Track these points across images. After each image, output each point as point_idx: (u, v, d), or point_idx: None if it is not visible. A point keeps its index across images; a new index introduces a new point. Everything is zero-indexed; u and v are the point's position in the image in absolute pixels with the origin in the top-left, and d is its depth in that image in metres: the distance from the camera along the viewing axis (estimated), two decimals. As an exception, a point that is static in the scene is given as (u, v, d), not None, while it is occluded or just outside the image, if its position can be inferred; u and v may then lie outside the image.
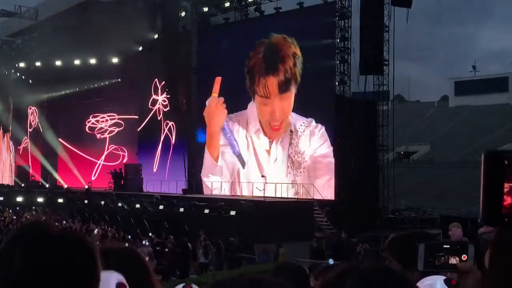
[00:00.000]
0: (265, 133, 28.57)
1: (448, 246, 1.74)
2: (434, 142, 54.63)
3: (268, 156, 28.32)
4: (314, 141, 26.88)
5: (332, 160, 26.18)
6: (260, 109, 28.64)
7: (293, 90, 27.57)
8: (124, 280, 1.47)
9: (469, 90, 62.55)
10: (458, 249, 1.73)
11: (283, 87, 27.57)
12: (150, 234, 21.50)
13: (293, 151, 27.43)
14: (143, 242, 18.69)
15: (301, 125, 27.21)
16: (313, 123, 26.87)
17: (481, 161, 1.06)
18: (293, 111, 27.57)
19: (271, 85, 27.86)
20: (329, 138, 26.54)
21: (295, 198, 25.96)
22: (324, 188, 26.03)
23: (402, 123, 46.99)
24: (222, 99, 29.68)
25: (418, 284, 1.66)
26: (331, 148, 26.33)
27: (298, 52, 27.32)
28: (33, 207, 31.36)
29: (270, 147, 28.33)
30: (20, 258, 1.14)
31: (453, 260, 1.72)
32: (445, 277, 1.66)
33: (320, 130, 26.70)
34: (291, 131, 27.54)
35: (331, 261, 13.58)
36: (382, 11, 27.29)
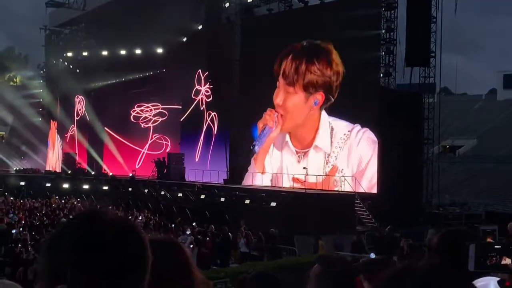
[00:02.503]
0: (291, 140, 28.85)
1: (500, 247, 1.68)
2: (481, 136, 53.23)
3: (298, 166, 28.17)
4: (355, 153, 26.40)
5: (375, 163, 25.78)
6: (275, 92, 29.29)
7: (298, 93, 28.10)
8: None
9: (519, 83, 60.68)
10: (510, 250, 1.67)
11: (285, 79, 28.50)
12: (194, 223, 21.71)
13: (328, 170, 27.22)
14: (186, 231, 18.90)
15: (341, 137, 26.86)
16: (356, 130, 26.41)
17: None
18: (333, 115, 27.32)
19: (282, 68, 28.81)
20: (373, 132, 26.11)
21: (336, 191, 25.76)
22: (367, 181, 25.77)
23: (448, 116, 46.00)
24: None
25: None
26: (375, 152, 25.91)
27: (340, 68, 27.05)
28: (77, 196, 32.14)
29: (299, 161, 28.38)
30: (70, 239, 1.16)
31: (505, 261, 1.66)
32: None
33: (362, 137, 26.25)
34: (326, 153, 27.31)
35: (372, 255, 13.44)
36: (430, 2, 26.69)
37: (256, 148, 29.78)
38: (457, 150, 52.90)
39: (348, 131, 26.54)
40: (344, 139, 26.74)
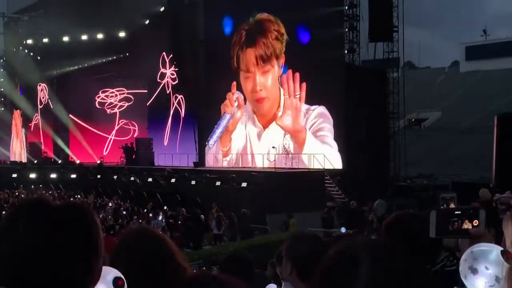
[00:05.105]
0: (256, 111, 28.63)
1: (460, 212, 1.73)
2: (445, 108, 54.23)
3: (258, 142, 28.32)
4: (308, 126, 27.00)
5: (328, 133, 26.31)
6: (244, 83, 28.83)
7: (275, 66, 27.90)
8: (121, 276, 1.51)
9: (480, 55, 61.82)
10: (470, 214, 1.72)
11: (261, 61, 28.01)
12: (166, 207, 21.66)
13: (287, 142, 27.46)
14: (158, 217, 18.86)
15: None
16: (312, 108, 26.89)
17: (493, 124, 1.02)
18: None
19: (249, 58, 28.25)
20: (340, 107, 26.41)
21: (306, 169, 25.98)
22: (333, 158, 26.06)
23: (412, 90, 46.63)
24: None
25: (471, 248, 1.63)
26: (329, 123, 26.39)
27: (282, 30, 27.18)
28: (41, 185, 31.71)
29: (261, 134, 28.53)
30: (23, 224, 1.22)
31: (467, 225, 1.70)
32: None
33: (314, 111, 26.71)
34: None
35: (343, 230, 13.67)
36: (391, -24, 26.88)
37: (211, 142, 29.49)
38: (423, 123, 53.87)
39: (307, 110, 27.15)
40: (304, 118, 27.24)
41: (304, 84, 26.42)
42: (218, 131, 28.50)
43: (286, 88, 26.86)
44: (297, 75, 26.53)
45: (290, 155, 27.27)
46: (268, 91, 28.41)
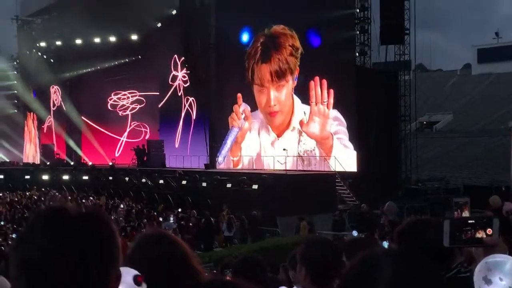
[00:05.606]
0: (268, 123, 28.57)
1: (474, 221, 1.74)
2: (457, 111, 53.90)
3: (272, 149, 28.27)
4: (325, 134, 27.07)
5: (344, 136, 26.27)
6: (258, 96, 28.76)
7: (289, 81, 27.72)
8: (138, 273, 1.55)
9: (492, 58, 61.37)
10: (483, 223, 1.73)
11: (276, 77, 27.81)
12: (179, 209, 21.73)
13: (301, 149, 27.43)
14: (170, 218, 18.94)
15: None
16: (326, 111, 26.84)
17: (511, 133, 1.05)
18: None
19: (263, 74, 28.06)
20: (351, 110, 26.37)
21: (317, 171, 25.96)
22: (345, 160, 26.01)
23: (424, 93, 46.43)
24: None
25: (486, 258, 1.65)
26: (343, 125, 26.31)
27: (297, 44, 27.07)
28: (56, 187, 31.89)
29: (275, 142, 28.50)
30: (40, 232, 1.24)
31: (480, 234, 1.72)
32: None
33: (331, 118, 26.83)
34: (299, 131, 27.53)
35: (354, 233, 13.63)
36: (402, -21, 26.83)
37: (221, 159, 29.26)
38: (434, 126, 53.55)
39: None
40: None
41: (331, 91, 26.25)
42: (226, 147, 28.54)
43: (314, 95, 26.72)
44: (324, 81, 26.37)
45: (305, 162, 27.21)
46: (282, 105, 28.31)
